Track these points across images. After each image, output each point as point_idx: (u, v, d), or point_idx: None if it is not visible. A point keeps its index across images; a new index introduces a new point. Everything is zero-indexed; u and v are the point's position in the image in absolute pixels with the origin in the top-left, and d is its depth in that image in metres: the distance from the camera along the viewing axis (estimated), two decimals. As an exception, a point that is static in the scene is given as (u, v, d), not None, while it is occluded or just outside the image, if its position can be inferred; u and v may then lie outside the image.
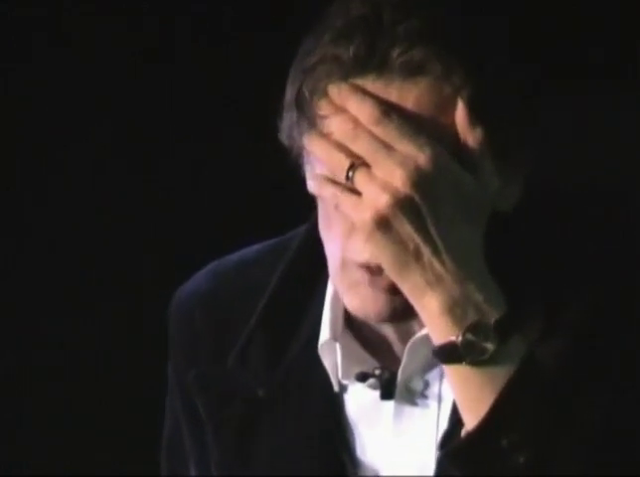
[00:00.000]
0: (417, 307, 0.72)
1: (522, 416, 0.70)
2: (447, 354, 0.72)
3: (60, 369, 1.69)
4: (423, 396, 0.83)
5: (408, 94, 0.72)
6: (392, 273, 0.72)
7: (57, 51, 1.61)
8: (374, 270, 0.74)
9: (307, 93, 0.74)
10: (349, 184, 0.71)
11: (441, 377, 0.80)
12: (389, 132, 0.70)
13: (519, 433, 0.70)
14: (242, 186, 1.63)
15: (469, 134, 0.72)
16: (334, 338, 0.83)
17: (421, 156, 0.70)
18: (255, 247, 0.95)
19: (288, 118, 0.76)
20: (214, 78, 1.60)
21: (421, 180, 0.70)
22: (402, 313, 0.76)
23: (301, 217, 0.88)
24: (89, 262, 1.68)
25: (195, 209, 1.65)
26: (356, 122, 0.71)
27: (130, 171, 1.65)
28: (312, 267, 0.86)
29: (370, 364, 0.83)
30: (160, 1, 1.59)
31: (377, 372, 0.83)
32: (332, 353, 0.83)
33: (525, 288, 0.76)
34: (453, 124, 0.72)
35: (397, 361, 0.82)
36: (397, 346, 0.83)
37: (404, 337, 0.81)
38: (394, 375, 0.82)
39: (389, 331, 0.83)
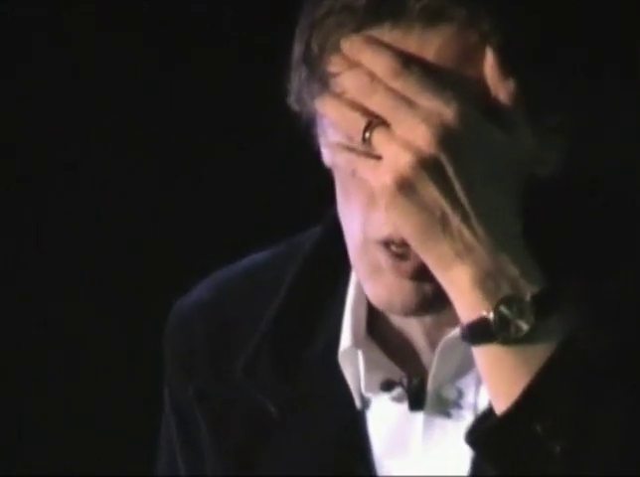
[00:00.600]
0: (444, 282, 0.64)
1: (558, 401, 0.63)
2: (477, 332, 0.64)
3: (60, 368, 1.69)
4: (457, 405, 0.74)
5: (430, 44, 0.64)
6: (416, 244, 0.64)
7: (56, 51, 1.61)
8: (398, 253, 0.67)
9: (316, 49, 0.66)
10: (366, 147, 0.64)
11: (477, 384, 0.72)
12: (410, 86, 0.63)
13: (554, 419, 0.62)
14: (247, 187, 1.62)
15: (500, 87, 0.64)
16: (356, 345, 0.75)
17: (448, 111, 0.62)
18: (264, 253, 0.86)
19: (297, 79, 0.68)
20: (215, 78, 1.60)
21: (448, 137, 0.62)
22: (433, 303, 0.68)
23: (310, 218, 0.83)
24: (89, 261, 1.67)
25: (197, 212, 1.65)
26: (372, 77, 0.64)
27: (130, 172, 1.64)
28: (330, 268, 0.79)
29: (395, 373, 0.75)
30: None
31: (404, 380, 0.74)
32: (353, 362, 0.75)
33: (568, 264, 0.70)
34: (482, 76, 0.65)
35: (425, 369, 0.75)
36: (425, 352, 0.75)
37: (434, 340, 0.73)
38: (423, 383, 0.74)
39: (417, 334, 0.75)
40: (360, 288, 0.75)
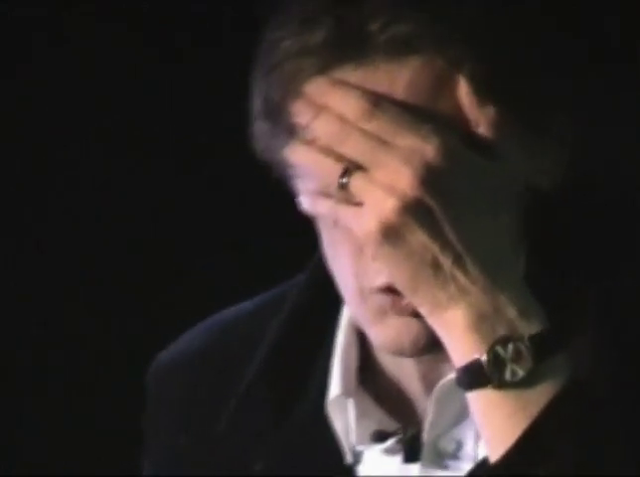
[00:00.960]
0: (437, 325, 0.61)
1: (556, 449, 0.58)
2: (471, 375, 0.60)
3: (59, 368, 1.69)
4: (455, 457, 0.69)
5: (399, 79, 0.60)
6: (407, 292, 0.60)
7: (55, 50, 1.61)
8: (399, 292, 0.63)
9: (277, 99, 0.62)
10: (345, 194, 0.60)
11: (477, 433, 0.67)
12: (384, 126, 0.59)
13: (551, 468, 0.58)
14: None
15: (480, 116, 0.61)
16: (346, 394, 0.71)
17: (428, 148, 0.58)
18: (248, 303, 0.82)
19: (260, 131, 0.64)
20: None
21: (431, 176, 0.58)
22: (438, 341, 0.63)
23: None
24: (89, 262, 1.67)
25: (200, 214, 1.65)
26: (343, 121, 0.60)
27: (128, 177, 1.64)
28: (317, 315, 0.75)
29: (388, 424, 0.71)
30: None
31: (398, 431, 0.70)
32: (343, 412, 0.71)
33: (571, 298, 0.66)
34: (459, 107, 0.61)
35: (420, 419, 0.70)
36: (420, 399, 0.70)
37: (430, 386, 0.69)
38: (418, 433, 0.69)
39: (411, 379, 0.71)
40: (350, 334, 0.73)
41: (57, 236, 1.67)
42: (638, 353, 0.64)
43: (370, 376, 0.73)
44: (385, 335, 0.65)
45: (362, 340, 0.73)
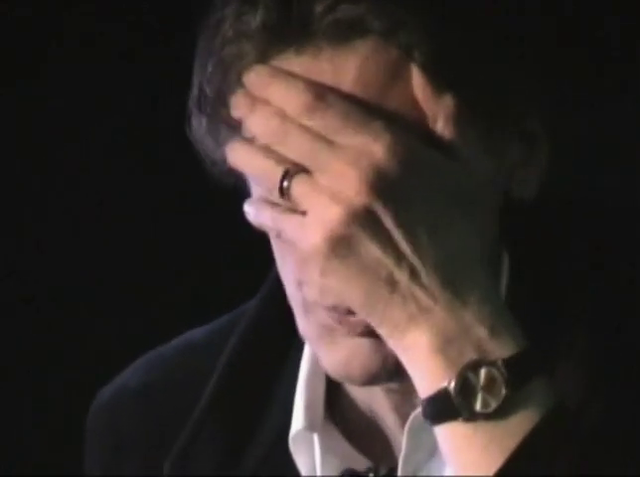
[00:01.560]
0: (398, 350, 0.53)
1: None
2: (438, 407, 0.52)
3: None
4: None
5: (345, 67, 0.53)
6: (362, 313, 0.53)
7: (51, 49, 1.60)
8: (347, 317, 0.56)
9: (214, 89, 0.56)
10: (288, 201, 0.53)
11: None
12: (328, 123, 0.52)
13: None
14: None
15: (436, 109, 0.53)
16: (310, 428, 0.63)
17: (377, 148, 0.51)
18: (199, 330, 0.75)
19: (197, 126, 0.57)
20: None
21: (381, 180, 0.51)
22: (397, 366, 0.55)
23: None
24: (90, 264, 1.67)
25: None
26: (283, 116, 0.53)
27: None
28: (276, 341, 0.67)
29: (359, 462, 0.63)
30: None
31: (369, 471, 0.62)
32: (308, 448, 0.63)
33: (555, 317, 0.59)
34: (414, 100, 0.54)
35: (395, 455, 0.63)
36: (394, 433, 0.63)
37: (405, 417, 0.61)
38: (393, 471, 0.62)
39: (384, 411, 0.63)
40: (316, 362, 0.63)
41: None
42: (630, 380, 0.57)
43: (338, 408, 0.65)
44: (332, 357, 0.58)
45: None
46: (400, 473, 0.61)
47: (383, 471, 0.62)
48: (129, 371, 0.73)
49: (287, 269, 0.58)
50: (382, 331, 0.53)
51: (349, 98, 0.53)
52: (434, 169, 0.53)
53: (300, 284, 0.57)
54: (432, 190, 0.52)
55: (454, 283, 0.52)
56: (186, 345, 0.73)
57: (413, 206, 0.52)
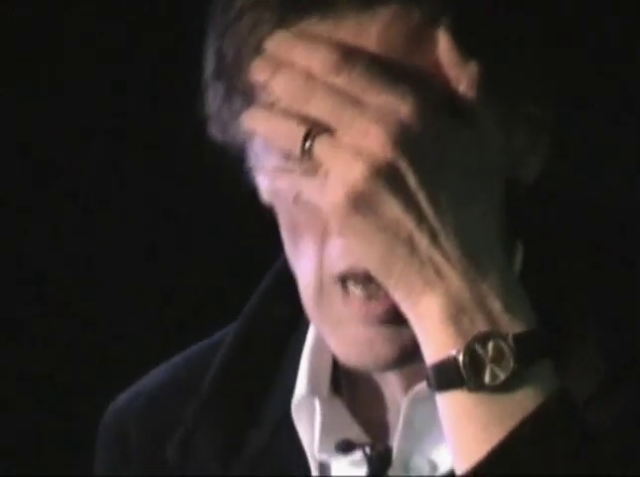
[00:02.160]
0: (412, 316, 0.53)
1: (532, 469, 0.50)
2: (444, 375, 0.52)
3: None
4: None
5: (368, 32, 0.54)
6: (379, 272, 0.53)
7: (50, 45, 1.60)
8: (363, 294, 0.56)
9: (232, 57, 0.55)
10: (308, 162, 0.53)
11: None
12: (355, 81, 0.51)
13: None
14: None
15: (460, 74, 0.53)
16: (312, 393, 0.63)
17: (404, 106, 0.51)
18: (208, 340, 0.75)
19: (214, 99, 0.57)
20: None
21: (407, 138, 0.50)
22: (412, 353, 0.55)
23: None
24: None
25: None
26: (308, 77, 0.52)
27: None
28: (280, 322, 0.67)
29: (359, 436, 0.63)
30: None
31: (366, 446, 0.61)
32: (310, 416, 0.63)
33: (566, 297, 0.59)
34: (436, 64, 0.54)
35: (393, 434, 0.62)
36: (397, 411, 0.62)
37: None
38: (388, 450, 0.61)
39: (394, 389, 0.62)
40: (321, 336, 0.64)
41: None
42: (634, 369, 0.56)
43: (344, 383, 0.64)
44: (344, 345, 0.58)
45: None
46: (395, 448, 0.61)
47: (379, 447, 0.61)
48: (144, 379, 0.75)
49: (301, 248, 0.58)
50: (396, 295, 0.53)
51: (374, 59, 0.53)
52: (457, 135, 0.53)
53: (315, 260, 0.56)
54: (455, 155, 0.52)
55: (473, 253, 0.52)
56: (193, 354, 0.74)
57: (437, 167, 0.52)
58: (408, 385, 0.61)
